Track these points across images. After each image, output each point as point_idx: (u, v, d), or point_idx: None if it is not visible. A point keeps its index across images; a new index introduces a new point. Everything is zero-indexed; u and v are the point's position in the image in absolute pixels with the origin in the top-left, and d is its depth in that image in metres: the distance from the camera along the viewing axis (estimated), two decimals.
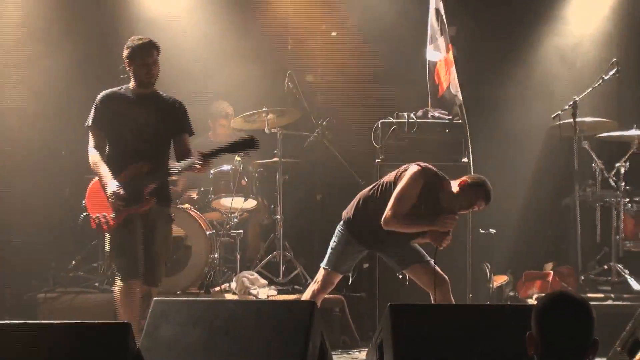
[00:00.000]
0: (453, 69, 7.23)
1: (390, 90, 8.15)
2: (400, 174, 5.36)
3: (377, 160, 7.02)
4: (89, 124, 5.57)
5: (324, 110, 8.03)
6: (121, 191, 5.32)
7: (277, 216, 7.33)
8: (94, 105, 5.57)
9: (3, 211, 7.54)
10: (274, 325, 4.18)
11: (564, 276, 7.35)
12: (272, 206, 7.57)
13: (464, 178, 5.32)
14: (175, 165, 5.48)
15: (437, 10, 7.37)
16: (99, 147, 5.53)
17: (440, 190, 5.31)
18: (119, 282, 5.48)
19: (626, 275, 7.09)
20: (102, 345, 3.91)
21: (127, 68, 5.56)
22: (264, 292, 6.82)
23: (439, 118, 7.15)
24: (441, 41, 7.35)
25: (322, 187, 8.34)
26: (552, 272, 7.36)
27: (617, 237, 7.23)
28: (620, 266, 7.15)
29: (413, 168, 5.30)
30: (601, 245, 7.49)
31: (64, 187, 7.86)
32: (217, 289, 6.99)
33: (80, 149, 7.41)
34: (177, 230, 6.82)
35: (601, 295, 6.97)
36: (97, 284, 7.14)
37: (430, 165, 5.38)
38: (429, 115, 7.19)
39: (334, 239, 5.50)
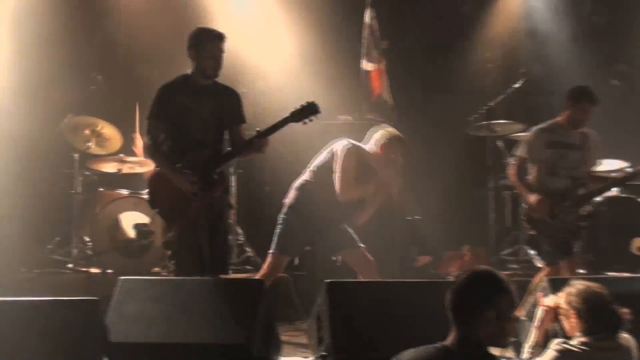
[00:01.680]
0: (385, 78, 7.32)
1: (330, 97, 8.15)
2: (328, 153, 5.35)
3: None
4: (148, 116, 4.80)
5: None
6: (194, 177, 4.66)
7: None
8: (155, 97, 4.79)
9: None
10: (227, 300, 4.21)
11: (479, 256, 7.47)
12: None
13: (378, 138, 5.33)
14: (237, 148, 4.89)
15: (371, 27, 7.44)
16: (155, 138, 4.79)
17: (369, 156, 5.32)
18: None
19: (531, 255, 7.22)
20: (74, 319, 3.92)
21: (191, 59, 4.78)
22: None
23: (372, 119, 7.21)
24: (374, 54, 7.42)
25: (269, 180, 8.33)
26: (468, 253, 7.49)
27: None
28: (526, 247, 7.29)
29: (341, 146, 5.28)
30: (511, 229, 7.63)
31: (44, 178, 7.69)
32: None
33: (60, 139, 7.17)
34: (142, 217, 6.78)
35: (510, 272, 7.09)
36: (70, 265, 7.05)
37: (350, 139, 5.38)
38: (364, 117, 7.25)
39: (278, 225, 5.43)
